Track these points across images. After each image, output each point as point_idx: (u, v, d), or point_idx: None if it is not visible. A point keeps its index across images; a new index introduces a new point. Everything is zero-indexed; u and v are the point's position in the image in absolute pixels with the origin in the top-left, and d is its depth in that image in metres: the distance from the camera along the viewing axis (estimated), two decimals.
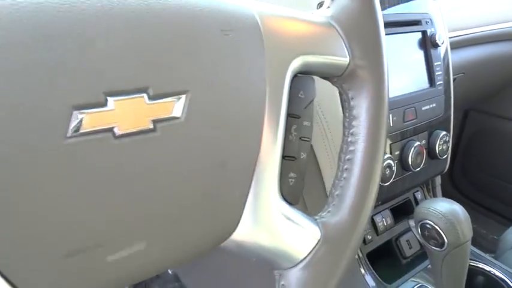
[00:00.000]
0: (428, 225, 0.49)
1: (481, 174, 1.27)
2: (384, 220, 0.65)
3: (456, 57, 0.73)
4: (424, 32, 0.62)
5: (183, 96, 0.22)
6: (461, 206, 0.49)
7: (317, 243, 0.29)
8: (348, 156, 0.31)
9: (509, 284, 0.63)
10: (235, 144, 0.25)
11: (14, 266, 0.18)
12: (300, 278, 0.29)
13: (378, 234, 0.64)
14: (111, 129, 0.20)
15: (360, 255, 0.61)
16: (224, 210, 0.25)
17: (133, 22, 0.21)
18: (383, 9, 0.57)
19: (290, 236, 0.28)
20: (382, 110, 0.31)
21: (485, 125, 1.22)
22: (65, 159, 0.19)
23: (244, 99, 0.25)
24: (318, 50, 0.29)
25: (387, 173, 0.55)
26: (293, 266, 0.29)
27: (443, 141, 0.63)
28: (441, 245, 0.48)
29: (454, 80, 0.69)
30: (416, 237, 0.66)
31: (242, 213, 0.26)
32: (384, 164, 0.55)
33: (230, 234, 0.26)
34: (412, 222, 0.52)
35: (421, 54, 0.62)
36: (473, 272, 0.64)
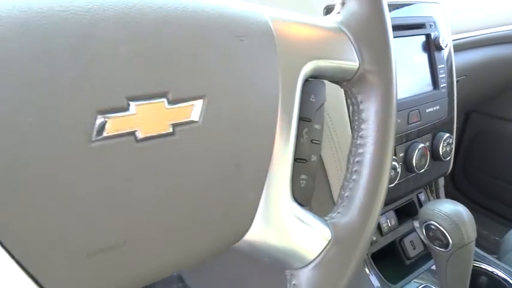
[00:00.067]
0: (433, 226, 0.49)
1: (483, 176, 1.28)
2: (388, 221, 0.65)
3: (459, 60, 0.73)
4: (428, 35, 0.63)
5: (201, 101, 0.23)
6: (465, 207, 0.50)
7: (327, 244, 0.29)
8: (357, 159, 0.32)
9: None
10: (249, 147, 0.26)
11: (41, 266, 0.19)
12: (310, 278, 0.29)
13: (382, 235, 0.65)
14: (133, 133, 0.21)
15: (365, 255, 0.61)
16: (238, 211, 0.26)
17: (154, 29, 0.21)
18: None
19: (301, 237, 0.29)
20: (390, 113, 0.32)
21: (486, 127, 1.23)
22: (90, 162, 0.20)
23: (259, 103, 0.26)
24: (328, 54, 0.29)
25: (392, 174, 0.56)
26: (304, 266, 0.29)
27: (447, 143, 0.64)
28: (446, 245, 0.49)
29: (457, 82, 0.70)
30: (421, 238, 0.67)
31: (255, 214, 0.27)
32: None
33: (243, 234, 0.27)
34: (416, 223, 0.53)
35: (425, 57, 0.63)
36: (476, 272, 0.65)
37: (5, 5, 0.18)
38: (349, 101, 0.33)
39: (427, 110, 0.62)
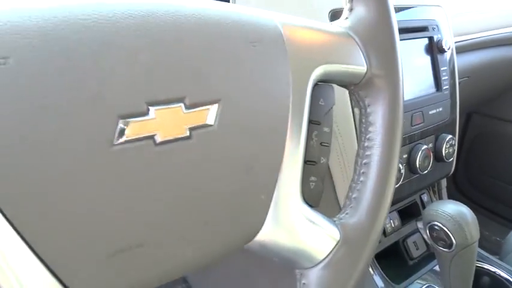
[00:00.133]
0: (436, 227, 0.50)
1: (484, 177, 1.29)
2: (391, 222, 0.66)
3: (460, 62, 0.74)
4: (430, 38, 0.64)
5: (216, 105, 0.24)
6: (468, 208, 0.50)
7: (336, 244, 0.30)
8: (364, 161, 0.33)
9: None
10: (262, 150, 0.26)
11: (65, 266, 0.20)
12: (320, 277, 0.30)
13: (385, 236, 0.65)
14: (152, 137, 0.21)
15: None
16: (251, 212, 0.27)
17: (172, 36, 0.22)
18: None
19: (311, 237, 0.29)
20: (397, 116, 0.32)
21: (487, 128, 1.24)
22: (111, 165, 0.20)
23: (271, 107, 0.26)
24: (337, 59, 0.30)
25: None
26: (314, 266, 0.30)
27: (450, 145, 0.65)
28: (449, 246, 0.50)
29: (459, 84, 0.71)
30: (424, 239, 0.67)
31: (267, 215, 0.27)
32: None
33: (255, 235, 0.27)
34: (420, 224, 0.53)
35: (428, 59, 0.64)
36: (479, 272, 0.66)
37: (32, 14, 0.19)
38: (356, 104, 0.34)
39: (430, 112, 0.62)
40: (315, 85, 0.29)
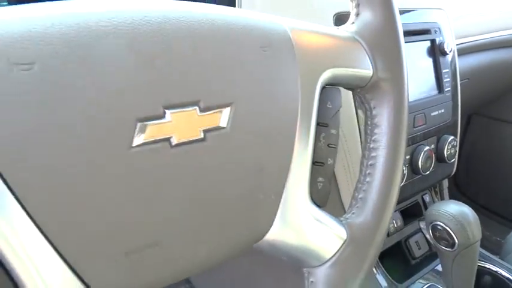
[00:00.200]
0: (439, 227, 0.51)
1: (484, 177, 1.29)
2: (394, 222, 0.67)
3: (461, 64, 0.75)
4: (433, 41, 0.65)
5: (228, 108, 0.24)
6: (470, 208, 0.51)
7: (343, 243, 0.31)
8: (370, 162, 0.33)
9: None
10: (272, 151, 0.27)
11: (85, 264, 0.20)
12: (327, 275, 0.31)
13: (388, 236, 0.66)
14: (168, 139, 0.22)
15: None
16: (261, 212, 0.27)
17: (186, 41, 0.23)
18: None
19: (319, 236, 0.30)
20: (402, 118, 0.33)
21: (487, 129, 1.25)
22: (130, 166, 0.21)
23: (281, 110, 0.27)
24: (344, 63, 0.31)
25: None
26: (321, 264, 0.31)
27: (451, 146, 0.66)
28: (452, 245, 0.50)
29: (460, 85, 0.72)
30: (426, 239, 0.68)
31: (276, 215, 0.28)
32: None
33: (265, 234, 0.28)
34: (423, 224, 0.54)
35: (430, 61, 0.65)
36: (480, 272, 0.66)
37: (55, 21, 0.19)
38: (360, 106, 0.35)
39: (432, 114, 0.63)
40: (323, 88, 0.30)
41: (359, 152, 0.54)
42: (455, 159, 0.69)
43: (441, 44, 0.65)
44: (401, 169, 0.34)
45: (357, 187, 0.34)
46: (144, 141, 0.21)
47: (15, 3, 0.41)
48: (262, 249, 0.30)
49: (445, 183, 0.78)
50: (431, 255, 0.70)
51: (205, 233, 0.25)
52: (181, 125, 0.23)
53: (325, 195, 0.31)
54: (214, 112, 0.24)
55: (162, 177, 0.22)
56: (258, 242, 0.29)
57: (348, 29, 0.33)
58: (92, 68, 0.20)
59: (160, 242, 0.23)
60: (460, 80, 0.72)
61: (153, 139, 0.22)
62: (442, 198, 0.77)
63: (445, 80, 0.66)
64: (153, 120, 0.22)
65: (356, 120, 0.52)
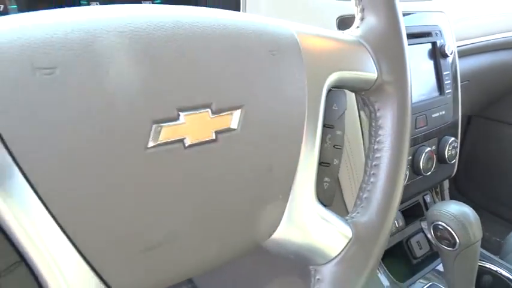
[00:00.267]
0: (440, 227, 0.52)
1: (484, 178, 1.30)
2: (395, 222, 0.67)
3: (461, 66, 0.76)
4: (434, 43, 0.65)
5: (239, 110, 0.25)
6: (471, 208, 0.52)
7: (349, 242, 0.32)
8: (374, 163, 0.34)
9: None
10: (280, 152, 0.28)
11: (104, 263, 0.21)
12: (333, 273, 0.31)
13: (390, 236, 0.67)
14: (182, 140, 0.23)
15: None
16: (269, 211, 0.28)
17: (199, 46, 0.24)
18: None
19: (325, 235, 0.31)
20: (406, 120, 0.34)
21: (487, 130, 1.26)
22: (145, 167, 0.22)
23: (289, 112, 0.28)
24: (350, 66, 0.32)
25: None
26: (327, 262, 0.31)
27: (452, 147, 0.67)
28: (453, 245, 0.51)
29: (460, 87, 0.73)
30: (428, 238, 0.69)
31: (283, 214, 0.29)
32: None
33: (272, 233, 0.29)
34: (424, 224, 0.55)
35: (431, 64, 0.66)
36: (480, 271, 0.67)
37: (75, 27, 0.20)
38: (364, 108, 0.36)
39: (433, 115, 0.64)
40: (329, 91, 0.31)
41: (361, 153, 0.55)
42: (455, 160, 0.70)
43: (442, 47, 0.65)
44: (404, 170, 0.35)
45: (362, 187, 0.35)
46: (159, 142, 0.22)
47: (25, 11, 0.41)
48: (269, 248, 0.30)
49: (446, 183, 0.79)
50: (432, 255, 0.71)
51: (216, 231, 0.26)
52: (194, 126, 0.23)
53: (331, 194, 0.32)
54: (225, 114, 0.25)
55: (176, 176, 0.23)
56: (265, 241, 0.29)
57: (353, 33, 0.34)
58: (109, 73, 0.21)
59: (174, 239, 0.24)
60: (461, 82, 0.73)
61: (167, 140, 0.22)
62: (442, 199, 0.78)
63: (445, 82, 0.66)
64: (167, 122, 0.22)
65: (359, 122, 0.53)
